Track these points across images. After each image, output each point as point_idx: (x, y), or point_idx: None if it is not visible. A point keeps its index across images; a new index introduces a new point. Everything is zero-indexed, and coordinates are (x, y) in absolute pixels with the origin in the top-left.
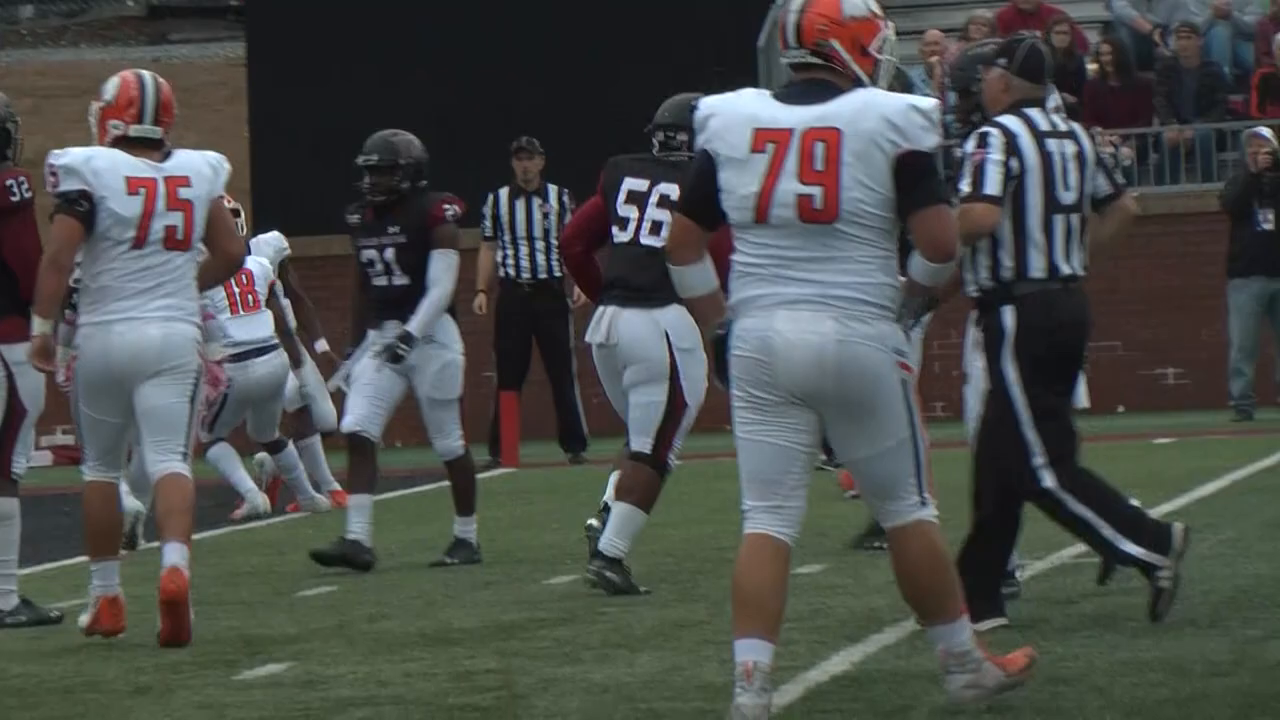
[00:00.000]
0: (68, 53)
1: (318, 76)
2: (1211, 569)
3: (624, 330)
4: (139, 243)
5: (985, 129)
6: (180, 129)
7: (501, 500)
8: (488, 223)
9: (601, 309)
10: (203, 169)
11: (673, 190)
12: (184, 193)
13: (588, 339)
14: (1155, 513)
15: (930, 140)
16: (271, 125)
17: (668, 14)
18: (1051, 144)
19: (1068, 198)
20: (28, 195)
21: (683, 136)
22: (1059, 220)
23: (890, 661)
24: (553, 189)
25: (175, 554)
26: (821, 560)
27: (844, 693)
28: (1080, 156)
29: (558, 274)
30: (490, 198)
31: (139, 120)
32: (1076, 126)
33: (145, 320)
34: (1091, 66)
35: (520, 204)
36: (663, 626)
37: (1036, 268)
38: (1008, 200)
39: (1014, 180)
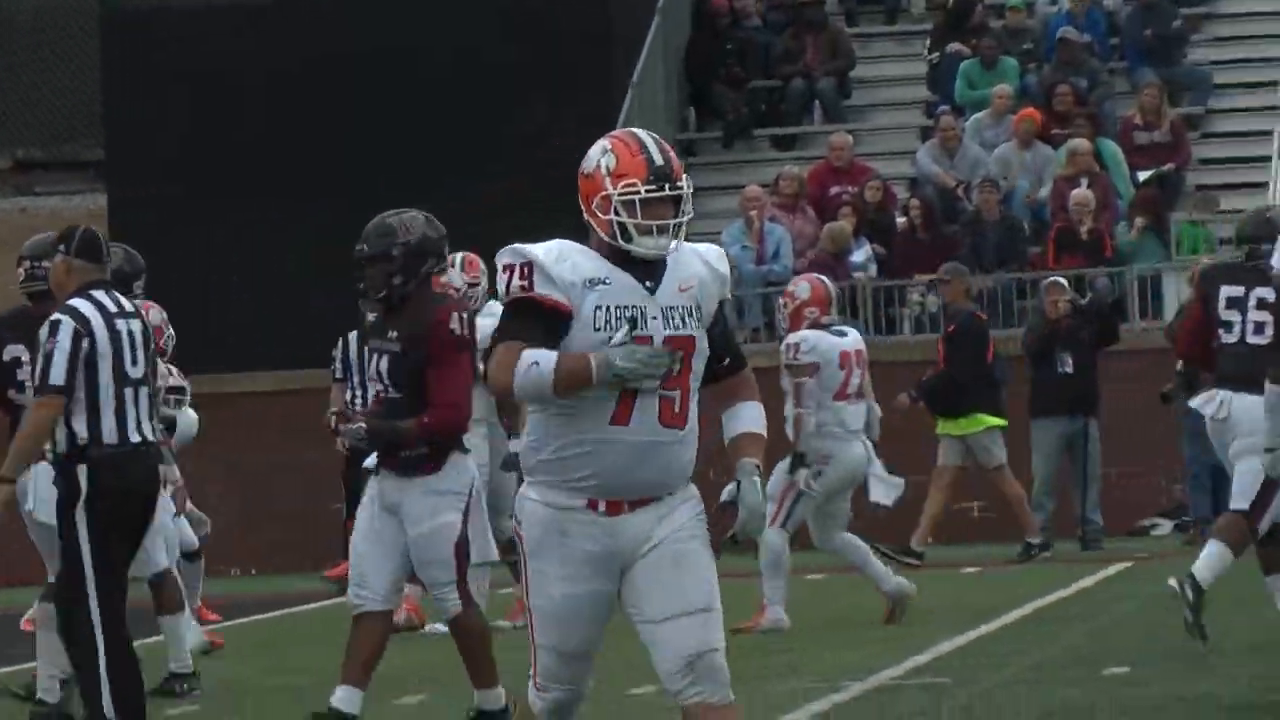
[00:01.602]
0: None
1: (174, 228)
2: (1020, 692)
3: (1237, 409)
4: None
5: (56, 316)
6: None
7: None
8: (338, 365)
9: (1219, 393)
10: None
11: (1269, 294)
12: None
13: (1200, 408)
14: (963, 639)
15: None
16: None
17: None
18: (120, 323)
19: (135, 372)
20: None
21: (1266, 246)
22: (129, 392)
23: None
24: None
25: None
26: (653, 682)
27: None
28: (145, 333)
29: None
30: (341, 341)
31: None
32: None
33: None
34: (901, 220)
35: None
36: None
37: (109, 433)
38: (82, 374)
39: (87, 359)
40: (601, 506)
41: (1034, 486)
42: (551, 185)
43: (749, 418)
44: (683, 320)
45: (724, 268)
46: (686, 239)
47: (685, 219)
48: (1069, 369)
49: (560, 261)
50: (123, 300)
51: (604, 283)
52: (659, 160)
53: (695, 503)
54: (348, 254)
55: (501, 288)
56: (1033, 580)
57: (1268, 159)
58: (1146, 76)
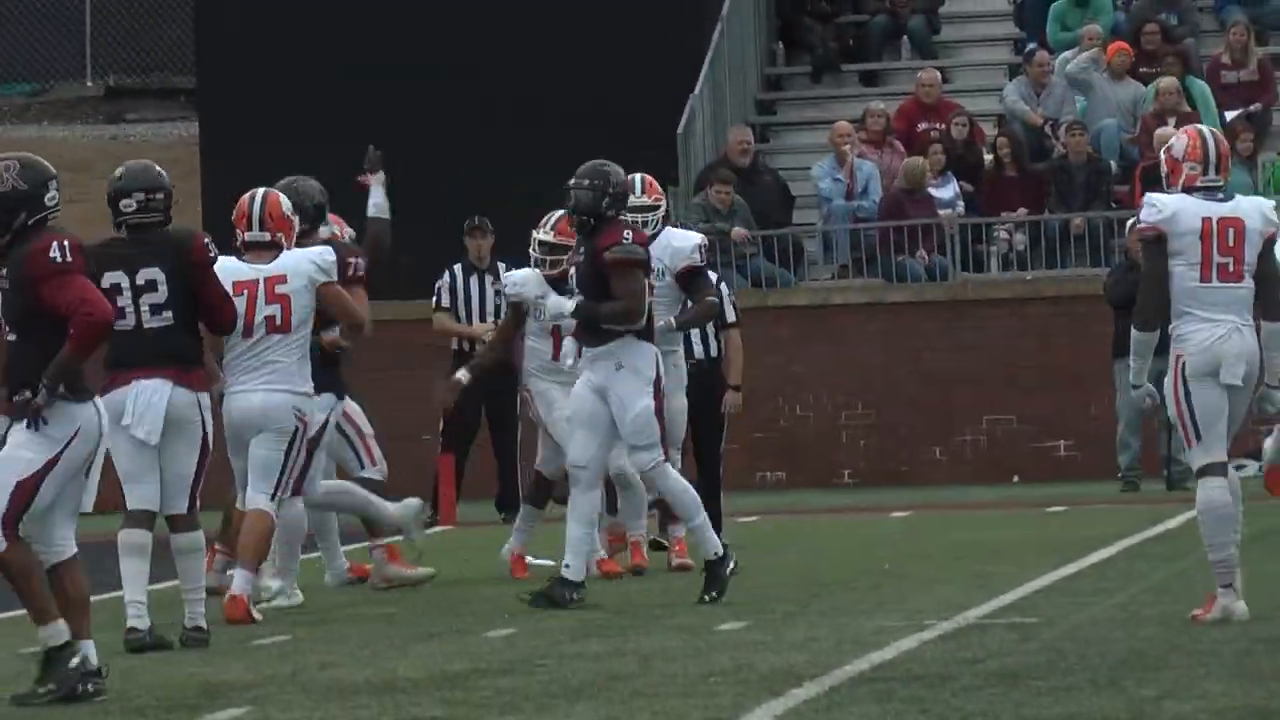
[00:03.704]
0: (31, 129)
1: (266, 156)
2: (1106, 632)
3: None
4: (247, 332)
5: None
6: None
7: (441, 557)
8: (445, 294)
9: None
10: (303, 265)
11: None
12: (280, 288)
13: None
14: (1052, 578)
15: None
16: (222, 201)
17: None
18: None
19: None
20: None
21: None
22: None
23: (809, 715)
24: (502, 266)
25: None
26: (742, 618)
27: None
28: None
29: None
30: (447, 272)
31: (249, 228)
32: None
33: (250, 391)
34: (988, 157)
35: (474, 280)
36: (596, 679)
37: None
38: None
39: None
40: None
41: (1119, 426)
42: (642, 118)
43: None
44: None
45: None
46: (769, 172)
47: None
48: None
49: None
50: None
51: None
52: None
53: None
54: (438, 186)
55: None
56: (1119, 520)
57: None
58: (1234, 15)
